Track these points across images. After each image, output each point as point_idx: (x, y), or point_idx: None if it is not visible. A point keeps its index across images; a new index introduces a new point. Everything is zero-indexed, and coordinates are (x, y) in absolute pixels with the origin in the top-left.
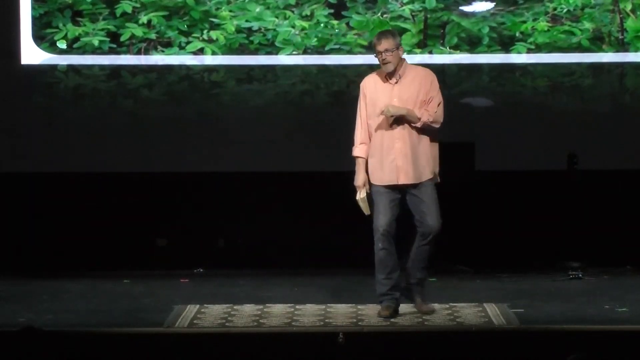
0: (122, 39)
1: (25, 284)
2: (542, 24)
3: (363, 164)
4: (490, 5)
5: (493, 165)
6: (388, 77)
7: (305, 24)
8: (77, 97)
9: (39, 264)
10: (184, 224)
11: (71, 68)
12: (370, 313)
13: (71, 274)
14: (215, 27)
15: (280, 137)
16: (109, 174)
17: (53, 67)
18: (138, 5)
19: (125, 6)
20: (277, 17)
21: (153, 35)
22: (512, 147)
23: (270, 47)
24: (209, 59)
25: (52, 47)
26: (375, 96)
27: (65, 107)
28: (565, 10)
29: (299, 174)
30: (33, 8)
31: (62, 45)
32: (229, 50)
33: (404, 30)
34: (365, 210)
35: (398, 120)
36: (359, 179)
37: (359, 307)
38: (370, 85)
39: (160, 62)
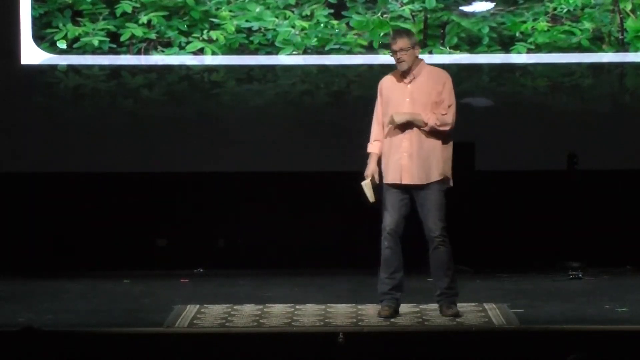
0: (122, 39)
1: (25, 284)
2: (542, 24)
3: (375, 158)
4: (490, 5)
5: (493, 165)
6: (402, 76)
7: (305, 24)
8: (77, 97)
9: (39, 264)
10: (184, 224)
11: (71, 68)
12: (370, 313)
13: (71, 274)
14: (215, 27)
15: (280, 137)
16: (109, 174)
17: (53, 67)
18: (138, 5)
19: (125, 6)
20: (277, 17)
21: (153, 35)
22: (512, 147)
23: (270, 47)
24: (209, 59)
25: (52, 47)
26: (390, 95)
27: (65, 107)
28: (565, 10)
29: (299, 174)
30: (33, 8)
31: (62, 45)
32: (229, 50)
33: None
34: (370, 197)
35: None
36: (368, 169)
37: (359, 307)
38: (387, 84)
39: (160, 62)
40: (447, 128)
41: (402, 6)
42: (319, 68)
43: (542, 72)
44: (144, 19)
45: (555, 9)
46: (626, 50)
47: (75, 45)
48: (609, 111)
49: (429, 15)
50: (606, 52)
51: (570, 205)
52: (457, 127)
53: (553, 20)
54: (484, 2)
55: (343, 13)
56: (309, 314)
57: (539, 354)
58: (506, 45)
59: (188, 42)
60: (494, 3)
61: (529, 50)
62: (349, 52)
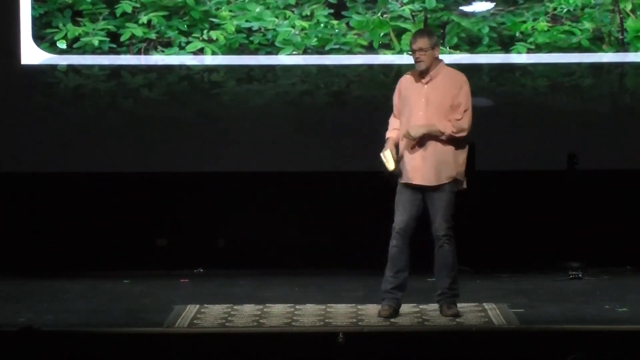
0: (122, 39)
1: (25, 284)
2: (542, 24)
3: (392, 142)
4: (490, 5)
5: (493, 165)
6: (421, 76)
7: (305, 24)
8: (77, 97)
9: (39, 264)
10: (184, 224)
11: (71, 68)
12: (370, 313)
13: (71, 274)
14: (215, 27)
15: (280, 137)
16: (109, 174)
17: (53, 67)
18: (138, 5)
19: (125, 6)
20: (277, 17)
21: (153, 35)
22: (512, 147)
23: (270, 47)
24: (209, 59)
25: (52, 47)
26: (407, 94)
27: (65, 107)
28: (565, 10)
29: (299, 174)
30: (33, 8)
31: (62, 45)
32: (229, 50)
33: (404, 30)
34: (390, 165)
35: (421, 121)
36: (385, 148)
37: (359, 307)
38: (405, 83)
39: (160, 62)
40: (463, 134)
41: (402, 6)
42: (319, 68)
43: (542, 72)
44: (144, 19)
45: (555, 9)
46: (626, 50)
47: (75, 45)
48: (609, 111)
49: (429, 15)
50: (606, 52)
51: (570, 205)
52: None
53: (553, 20)
54: (484, 2)
55: (343, 13)
56: (309, 314)
57: (539, 354)
58: (506, 45)
59: (188, 42)
60: (494, 3)
61: (529, 50)
62: (349, 52)
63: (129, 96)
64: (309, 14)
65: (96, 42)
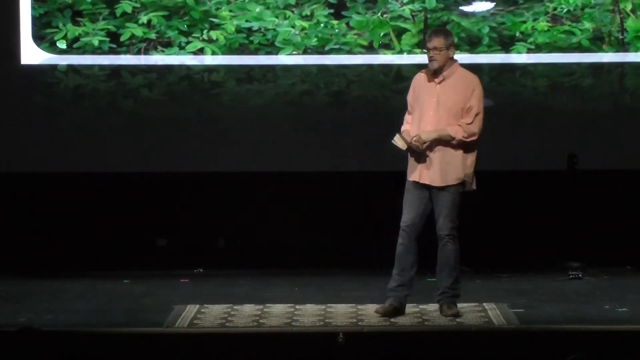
0: (122, 39)
1: (25, 284)
2: (542, 24)
3: (406, 133)
4: (490, 5)
5: (493, 165)
6: (434, 75)
7: (305, 24)
8: (77, 97)
9: (39, 264)
10: (184, 224)
11: (71, 68)
12: (370, 313)
13: (71, 274)
14: (215, 27)
15: (280, 137)
16: (109, 174)
17: (53, 67)
18: (138, 5)
19: (125, 6)
20: (277, 17)
21: (153, 35)
22: (512, 147)
23: (270, 47)
24: (209, 59)
25: (52, 47)
26: (419, 92)
27: (65, 107)
28: (565, 10)
29: (299, 174)
30: (33, 8)
31: (62, 45)
32: (229, 50)
33: (404, 30)
34: (402, 146)
35: (434, 123)
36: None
37: (359, 307)
38: (420, 80)
39: (160, 62)
40: (474, 138)
41: (402, 6)
42: (319, 68)
43: (542, 72)
44: (144, 19)
45: (555, 9)
46: (626, 50)
47: (75, 45)
48: (609, 111)
49: (429, 15)
50: (606, 52)
51: (570, 205)
52: None
53: (553, 20)
54: (484, 2)
55: (343, 13)
56: (309, 314)
57: (539, 354)
58: (506, 45)
59: (188, 42)
60: (494, 3)
61: (529, 50)
62: (349, 52)
63: (129, 96)
64: (309, 14)
65: (96, 42)
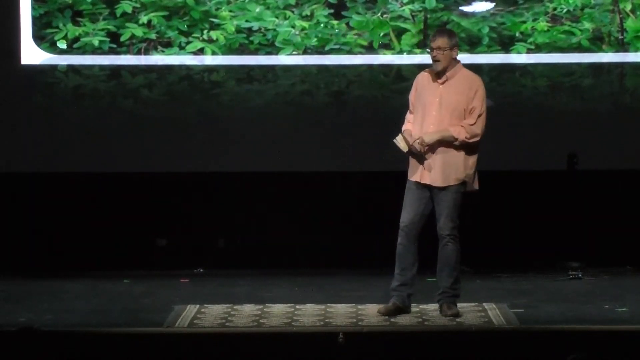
0: (122, 39)
1: (25, 284)
2: (542, 24)
3: (407, 132)
4: (490, 5)
5: (493, 165)
6: (437, 75)
7: (305, 24)
8: (77, 97)
9: (39, 264)
10: (184, 224)
11: (71, 68)
12: (370, 313)
13: (71, 274)
14: (215, 27)
15: (280, 137)
16: (109, 174)
17: (53, 67)
18: (138, 5)
19: (125, 6)
20: (277, 17)
21: (153, 35)
22: (512, 147)
23: (270, 47)
24: (209, 59)
25: (52, 47)
26: (422, 91)
27: (65, 107)
28: (565, 10)
29: (299, 174)
30: (33, 8)
31: (62, 45)
32: (229, 50)
33: (404, 30)
34: (404, 147)
35: (437, 123)
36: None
37: (359, 307)
38: (422, 80)
39: (160, 62)
40: (476, 139)
41: (402, 6)
42: (319, 68)
43: (542, 72)
44: (144, 19)
45: (555, 9)
46: (626, 50)
47: (75, 45)
48: (609, 111)
49: (429, 15)
50: (606, 52)
51: (570, 205)
52: None
53: (553, 20)
54: (484, 2)
55: (343, 13)
56: (309, 314)
57: (539, 354)
58: (506, 45)
59: (188, 42)
60: (494, 3)
61: (529, 50)
62: (349, 52)
63: (129, 96)
64: (309, 14)
65: (96, 42)
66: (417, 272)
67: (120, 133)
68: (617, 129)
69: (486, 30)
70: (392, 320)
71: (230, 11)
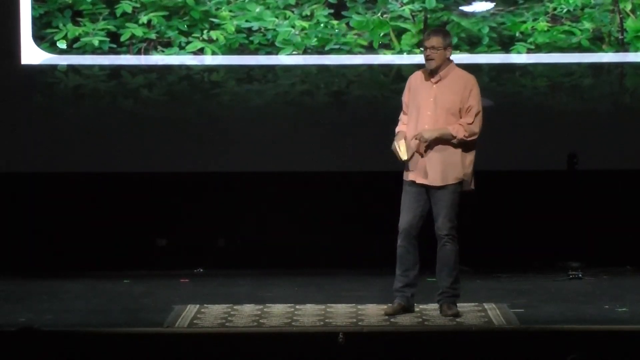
0: (122, 39)
1: (25, 284)
2: (542, 24)
3: (402, 134)
4: (490, 5)
5: (493, 165)
6: (431, 75)
7: (305, 24)
8: (77, 97)
9: (39, 264)
10: (184, 224)
11: (71, 68)
12: (370, 313)
13: (71, 274)
14: (215, 27)
15: (280, 137)
16: (109, 174)
17: (53, 67)
18: (138, 5)
19: (125, 6)
20: (277, 17)
21: (153, 35)
22: (512, 147)
23: (270, 47)
24: (209, 59)
25: (52, 47)
26: (416, 92)
27: (65, 107)
28: (565, 10)
29: (299, 174)
30: (33, 8)
31: (62, 45)
32: (229, 50)
33: (404, 30)
34: (403, 154)
35: (432, 122)
36: (397, 138)
37: (359, 307)
38: (416, 80)
39: (160, 62)
40: (474, 138)
41: (402, 6)
42: (319, 68)
43: (542, 72)
44: (144, 19)
45: (555, 9)
46: (626, 50)
47: (75, 45)
48: (609, 111)
49: (429, 15)
50: (606, 52)
51: (570, 205)
52: None
53: (553, 20)
54: (484, 2)
55: (343, 13)
56: (309, 314)
57: (539, 354)
58: (506, 45)
59: (188, 42)
60: (494, 3)
61: (529, 50)
62: (349, 52)
63: (129, 96)
64: (309, 14)
65: (96, 42)
66: (419, 272)
67: (120, 133)
68: (617, 129)
69: (486, 30)
70: (392, 320)
71: (230, 11)
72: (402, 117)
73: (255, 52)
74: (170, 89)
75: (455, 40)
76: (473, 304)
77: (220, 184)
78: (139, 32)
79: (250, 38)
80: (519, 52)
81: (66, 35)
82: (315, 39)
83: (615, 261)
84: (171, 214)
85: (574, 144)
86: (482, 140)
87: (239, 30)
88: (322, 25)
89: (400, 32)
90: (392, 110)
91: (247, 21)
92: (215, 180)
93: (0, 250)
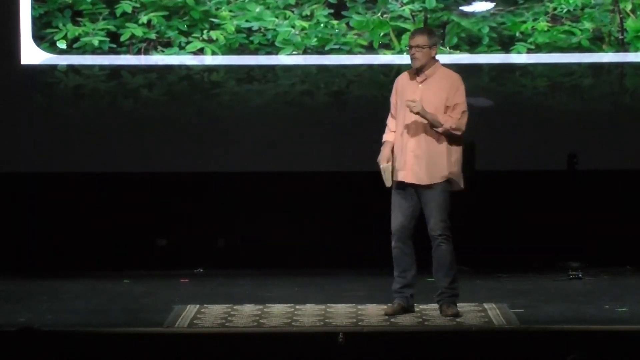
0: (122, 39)
1: (25, 284)
2: (542, 24)
3: (389, 146)
4: (490, 5)
5: (493, 165)
6: (416, 74)
7: (305, 24)
8: (77, 97)
9: (39, 264)
10: (184, 224)
11: (71, 68)
12: (370, 313)
13: (71, 274)
14: (215, 27)
15: (280, 137)
16: (109, 174)
17: (53, 67)
18: (138, 5)
19: (125, 6)
20: (277, 17)
21: (153, 35)
22: (512, 147)
23: (270, 47)
24: (209, 59)
25: (52, 47)
26: (402, 92)
27: (65, 107)
28: (565, 10)
29: (299, 174)
30: (33, 8)
31: (62, 45)
32: (229, 50)
33: (404, 30)
34: (387, 181)
35: (417, 120)
36: (382, 155)
37: (359, 307)
38: (402, 81)
39: (160, 62)
40: (459, 133)
41: (402, 6)
42: (319, 68)
43: (542, 72)
44: (144, 19)
45: (555, 9)
46: (626, 50)
47: (75, 45)
48: (609, 111)
49: (429, 15)
50: (606, 52)
51: (570, 205)
52: None
53: (553, 20)
54: (484, 2)
55: (343, 13)
56: (309, 314)
57: (539, 354)
58: (506, 45)
59: (188, 42)
60: (494, 3)
61: (529, 50)
62: (349, 52)
63: (129, 96)
64: (309, 14)
65: (96, 42)
66: (416, 272)
67: (120, 133)
68: (617, 129)
69: (486, 30)
70: (392, 320)
71: (230, 11)
72: (389, 121)
73: (255, 52)
74: (170, 89)
75: (455, 40)
76: (473, 304)
77: (220, 184)
78: (139, 32)
79: (250, 38)
80: (519, 52)
81: (66, 35)
82: (315, 39)
83: (615, 261)
84: (171, 214)
85: (574, 144)
86: (482, 140)
87: (239, 30)
88: (322, 25)
89: (400, 32)
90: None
91: (247, 21)
92: (215, 180)
93: (0, 250)
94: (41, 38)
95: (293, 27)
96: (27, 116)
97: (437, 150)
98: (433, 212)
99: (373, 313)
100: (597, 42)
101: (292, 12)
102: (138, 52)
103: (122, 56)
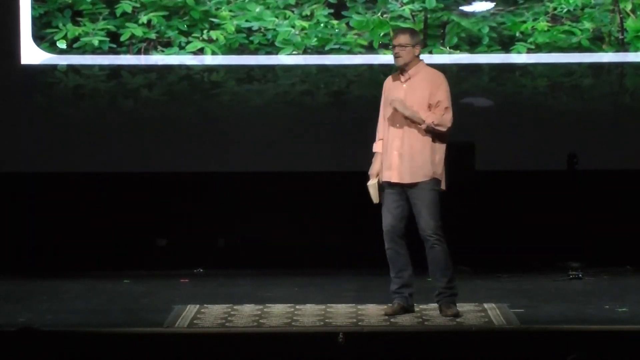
0: (122, 39)
1: (25, 284)
2: (542, 24)
3: (379, 158)
4: (490, 5)
5: (493, 165)
6: (401, 74)
7: (305, 24)
8: (77, 97)
9: (39, 264)
10: (184, 224)
11: (71, 68)
12: (370, 313)
13: (71, 274)
14: (215, 27)
15: (280, 137)
16: (109, 174)
17: (53, 67)
18: (138, 5)
19: (125, 6)
20: (277, 17)
21: (153, 35)
22: (512, 147)
23: (270, 47)
24: (209, 59)
25: (52, 47)
26: (389, 94)
27: (65, 107)
28: (565, 10)
29: (299, 174)
30: (33, 8)
31: (62, 45)
32: (229, 50)
33: None
34: (374, 198)
35: (403, 119)
36: (372, 168)
37: (359, 307)
38: (388, 84)
39: (160, 62)
40: (443, 129)
41: (402, 6)
42: (319, 68)
43: (542, 72)
44: (144, 19)
45: (555, 9)
46: (626, 50)
47: (75, 45)
48: (609, 111)
49: (429, 15)
50: (606, 52)
51: (570, 205)
52: (457, 127)
53: (553, 20)
54: (484, 2)
55: (343, 13)
56: (309, 314)
57: (539, 354)
58: (506, 45)
59: (188, 42)
60: (494, 3)
61: (529, 50)
62: (349, 52)
63: (129, 96)
64: (309, 14)
65: (96, 42)
66: (412, 271)
67: (120, 133)
68: (617, 129)
69: (486, 30)
70: (392, 320)
71: (230, 11)
72: (379, 127)
73: (255, 52)
74: (170, 89)
75: (455, 40)
76: (473, 304)
77: (220, 184)
78: (138, 32)
79: (250, 38)
80: (519, 52)
81: (66, 35)
82: (315, 39)
83: (615, 261)
84: (171, 214)
85: (574, 144)
86: (482, 140)
87: (239, 30)
88: (322, 25)
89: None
90: None
91: (247, 21)
92: (215, 180)
93: (0, 250)
94: (41, 38)
95: (293, 27)
96: (27, 116)
97: (421, 149)
98: (421, 212)
99: (373, 313)
100: (597, 42)
101: (292, 12)
102: (138, 52)
103: (122, 56)
